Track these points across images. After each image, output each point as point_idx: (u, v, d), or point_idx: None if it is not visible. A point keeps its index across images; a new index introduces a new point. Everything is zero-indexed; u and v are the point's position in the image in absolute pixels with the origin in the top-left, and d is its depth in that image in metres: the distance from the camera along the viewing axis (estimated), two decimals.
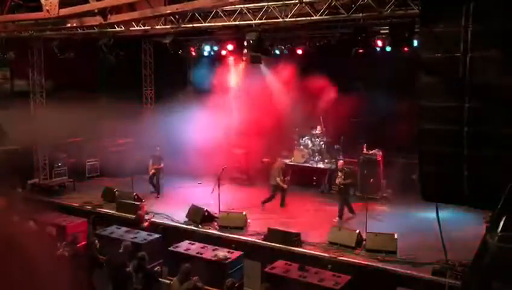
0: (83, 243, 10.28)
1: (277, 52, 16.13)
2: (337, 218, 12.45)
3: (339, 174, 12.79)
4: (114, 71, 16.43)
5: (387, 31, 12.59)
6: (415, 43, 11.07)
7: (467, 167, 4.67)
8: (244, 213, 12.30)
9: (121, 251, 9.22)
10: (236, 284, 8.35)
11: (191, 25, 12.21)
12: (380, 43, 13.67)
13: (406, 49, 12.28)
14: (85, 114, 13.55)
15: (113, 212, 13.30)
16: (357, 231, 10.72)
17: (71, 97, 13.66)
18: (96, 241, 9.61)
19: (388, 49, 13.60)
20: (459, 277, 8.46)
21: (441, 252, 9.10)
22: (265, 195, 13.92)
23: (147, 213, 12.70)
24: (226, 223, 11.91)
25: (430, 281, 8.95)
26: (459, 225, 9.82)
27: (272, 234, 11.01)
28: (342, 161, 13.24)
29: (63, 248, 8.96)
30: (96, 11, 8.05)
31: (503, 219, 3.37)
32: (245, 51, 14.57)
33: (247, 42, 13.08)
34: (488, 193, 4.41)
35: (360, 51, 13.41)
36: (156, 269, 9.42)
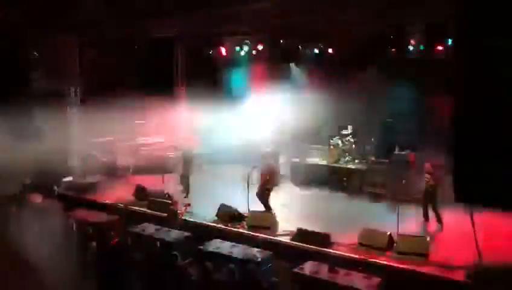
0: (116, 240, 10.46)
1: (308, 52, 16.07)
2: (439, 224, 11.60)
3: (427, 176, 11.87)
4: (147, 71, 16.66)
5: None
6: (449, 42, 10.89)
7: (503, 170, 4.59)
8: (273, 213, 12.29)
9: None
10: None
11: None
12: (413, 42, 13.45)
13: (439, 48, 12.05)
14: (118, 114, 13.79)
15: (144, 210, 13.49)
16: (388, 233, 10.57)
17: (104, 97, 13.94)
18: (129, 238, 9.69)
19: (421, 48, 13.36)
20: (493, 281, 8.28)
21: (475, 256, 8.99)
22: (295, 195, 14.03)
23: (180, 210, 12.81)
24: (255, 222, 11.92)
25: (463, 285, 8.76)
26: (494, 228, 9.59)
27: (301, 234, 10.98)
28: (429, 164, 12.10)
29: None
30: None
31: None
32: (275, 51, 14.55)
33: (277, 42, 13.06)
34: None
35: (393, 49, 13.25)
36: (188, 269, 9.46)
